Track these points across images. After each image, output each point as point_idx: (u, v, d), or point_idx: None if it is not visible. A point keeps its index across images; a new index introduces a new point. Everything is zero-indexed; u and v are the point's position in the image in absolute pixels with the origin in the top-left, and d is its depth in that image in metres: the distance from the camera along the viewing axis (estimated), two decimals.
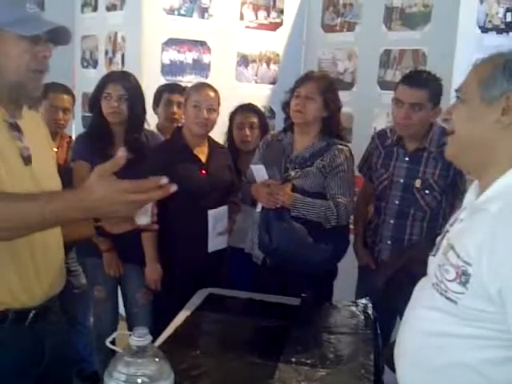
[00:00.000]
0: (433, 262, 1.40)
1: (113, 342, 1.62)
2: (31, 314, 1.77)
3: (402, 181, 2.91)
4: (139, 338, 1.50)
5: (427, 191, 2.86)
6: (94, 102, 3.10)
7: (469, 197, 1.42)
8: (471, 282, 1.24)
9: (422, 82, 2.82)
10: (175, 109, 3.50)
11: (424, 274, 1.48)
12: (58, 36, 1.78)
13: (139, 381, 1.41)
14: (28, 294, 1.76)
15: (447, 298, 1.29)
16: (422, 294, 1.42)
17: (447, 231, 1.40)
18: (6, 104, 1.73)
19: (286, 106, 2.97)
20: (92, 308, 3.36)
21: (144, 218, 1.95)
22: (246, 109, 3.53)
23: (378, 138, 3.07)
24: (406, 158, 2.91)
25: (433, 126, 2.88)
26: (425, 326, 1.36)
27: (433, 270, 1.38)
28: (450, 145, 1.44)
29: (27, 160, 1.75)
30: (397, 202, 2.92)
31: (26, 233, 1.59)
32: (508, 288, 1.18)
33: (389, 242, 2.95)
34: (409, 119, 2.80)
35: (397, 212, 2.93)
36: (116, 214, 1.61)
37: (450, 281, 1.28)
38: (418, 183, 2.87)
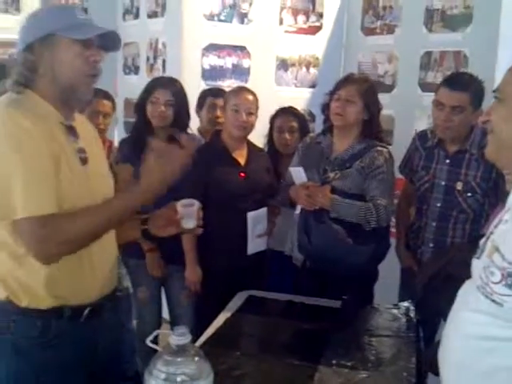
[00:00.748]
0: (477, 264, 1.37)
1: (155, 343, 1.65)
2: (86, 311, 1.83)
3: (443, 183, 2.88)
4: (179, 336, 1.52)
5: (469, 194, 2.82)
6: (140, 105, 3.15)
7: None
8: None
9: (464, 84, 2.78)
10: (219, 112, 3.53)
11: (465, 275, 1.46)
12: (108, 42, 1.85)
13: (179, 379, 1.43)
14: (84, 291, 1.83)
15: (493, 301, 1.26)
16: (467, 297, 1.39)
17: (491, 233, 1.37)
18: (60, 107, 1.80)
19: (325, 107, 2.97)
20: (135, 310, 3.39)
21: (190, 222, 2.00)
22: (286, 112, 3.54)
23: (419, 139, 3.04)
24: (447, 161, 2.88)
25: (474, 128, 2.84)
26: (470, 329, 1.34)
27: (477, 273, 1.35)
28: (489, 144, 1.41)
29: (84, 160, 1.82)
30: (438, 205, 2.89)
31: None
32: None
33: (431, 245, 2.92)
34: (450, 122, 2.77)
35: (439, 215, 2.90)
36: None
37: (495, 283, 1.26)
38: (459, 186, 2.84)
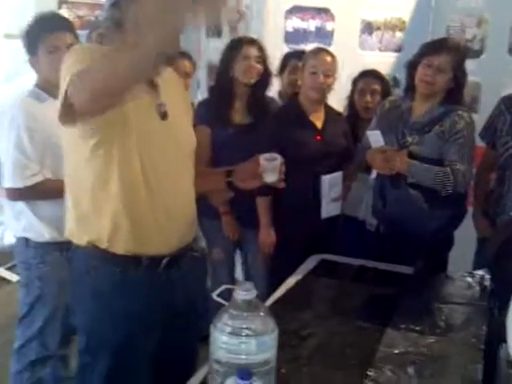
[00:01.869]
0: None
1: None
2: (164, 261, 1.89)
3: None
4: (245, 291, 1.54)
5: None
6: (226, 65, 3.15)
7: None
8: None
9: None
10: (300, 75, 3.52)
11: None
12: None
13: (243, 333, 1.44)
14: (162, 241, 1.88)
15: None
16: None
17: None
18: None
19: (411, 66, 2.88)
20: (210, 270, 3.47)
21: (272, 176, 2.03)
22: (369, 75, 3.48)
23: (504, 104, 2.91)
24: None
25: None
26: None
27: None
28: None
29: (163, 115, 1.85)
30: None
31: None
32: None
33: (511, 213, 2.81)
34: None
35: None
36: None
37: None
38: None
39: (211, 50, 4.52)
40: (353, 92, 3.48)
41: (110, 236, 1.82)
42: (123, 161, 1.77)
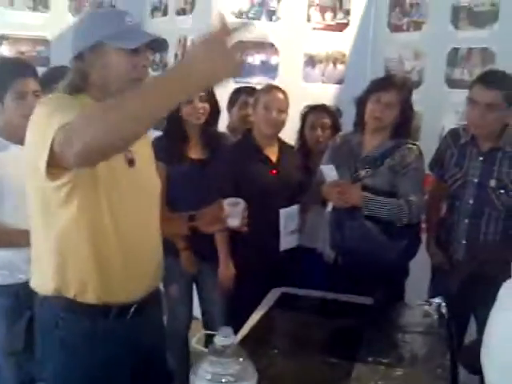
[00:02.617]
0: None
1: (186, 341, 1.69)
2: (132, 309, 1.89)
3: (476, 180, 2.88)
4: (224, 337, 1.56)
5: (502, 191, 2.82)
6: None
7: None
8: None
9: (497, 82, 2.79)
10: (250, 111, 3.57)
11: (500, 275, 1.49)
12: (155, 44, 1.89)
13: (224, 380, 1.45)
14: (131, 289, 1.88)
15: None
16: (509, 298, 1.43)
17: None
18: None
19: (360, 102, 2.99)
20: (166, 307, 3.43)
21: (235, 221, 2.07)
22: (319, 109, 3.57)
23: (451, 137, 3.05)
24: (481, 158, 2.88)
25: (507, 126, 2.85)
26: None
27: None
28: None
29: (130, 162, 1.87)
30: (471, 202, 2.90)
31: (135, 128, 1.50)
32: None
33: (463, 242, 2.92)
34: (483, 119, 2.78)
35: (471, 211, 2.90)
36: (220, 72, 1.46)
37: None
38: (492, 183, 2.84)
39: None
40: (303, 126, 3.55)
41: (79, 286, 1.81)
42: (91, 209, 1.77)
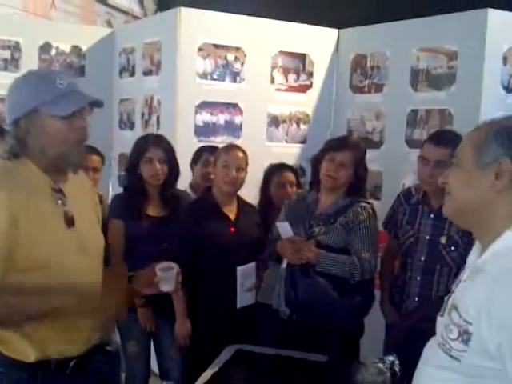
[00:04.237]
0: (440, 321, 1.45)
1: None
2: (72, 363, 1.89)
3: (427, 237, 2.95)
4: None
5: (453, 247, 2.89)
6: (133, 164, 3.21)
7: (471, 257, 1.47)
8: (472, 340, 1.28)
9: (447, 140, 2.88)
10: (212, 169, 3.63)
11: (433, 332, 1.52)
12: (93, 101, 1.92)
13: None
14: (69, 344, 1.89)
15: (451, 357, 1.33)
16: (430, 353, 1.46)
17: (453, 291, 1.45)
18: (50, 172, 1.88)
19: (316, 161, 3.06)
20: (124, 363, 3.41)
21: (167, 286, 2.06)
22: (284, 167, 3.66)
23: (403, 196, 3.13)
24: (432, 215, 2.95)
25: None
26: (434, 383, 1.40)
27: (439, 330, 1.43)
28: (447, 205, 1.50)
29: (70, 223, 1.89)
30: (423, 259, 2.95)
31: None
32: (506, 345, 1.22)
33: (416, 299, 2.96)
34: (434, 177, 2.85)
35: (423, 268, 2.95)
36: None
37: (453, 340, 1.33)
38: (443, 239, 2.90)
39: (123, 141, 4.60)
40: (267, 184, 3.62)
41: (16, 342, 1.82)
42: (30, 268, 1.79)
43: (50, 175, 1.88)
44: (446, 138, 2.92)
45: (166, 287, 2.08)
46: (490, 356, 1.25)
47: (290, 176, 3.60)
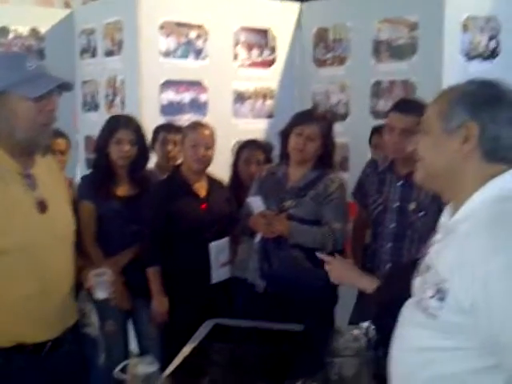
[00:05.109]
0: (415, 282, 1.50)
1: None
2: (47, 346, 1.90)
3: (396, 204, 2.97)
4: (147, 365, 1.58)
5: (423, 212, 2.93)
6: (102, 145, 3.18)
7: (443, 219, 1.52)
8: (447, 297, 1.32)
9: (412, 108, 2.90)
10: (170, 147, 3.64)
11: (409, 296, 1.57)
12: (61, 84, 1.90)
13: None
14: (42, 327, 1.89)
15: (428, 314, 1.37)
16: (407, 314, 1.51)
17: (428, 252, 1.50)
18: (18, 157, 1.86)
19: (284, 135, 3.09)
20: (103, 343, 3.41)
21: (101, 292, 2.03)
22: (253, 145, 3.68)
23: (370, 166, 3.16)
24: (399, 183, 3.00)
25: None
26: (410, 342, 1.44)
27: (415, 290, 1.48)
28: (418, 170, 1.54)
29: (43, 208, 1.88)
30: (392, 226, 2.99)
31: None
32: (479, 300, 1.27)
33: (388, 266, 3.02)
34: (401, 144, 2.88)
35: (393, 235, 2.98)
36: None
37: (429, 298, 1.37)
38: (412, 205, 2.94)
39: (88, 122, 4.56)
40: (237, 161, 3.64)
41: None
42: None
43: (18, 160, 1.86)
44: (410, 106, 2.95)
45: (99, 294, 2.04)
46: (464, 312, 1.29)
47: (258, 154, 3.62)
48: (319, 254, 2.39)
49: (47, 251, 1.88)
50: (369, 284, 2.30)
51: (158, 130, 3.75)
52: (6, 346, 1.83)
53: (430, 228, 2.84)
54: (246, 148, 3.65)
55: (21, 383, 1.85)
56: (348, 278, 2.39)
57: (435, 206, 2.88)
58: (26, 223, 1.83)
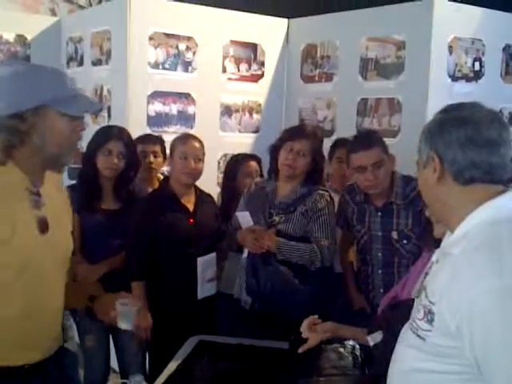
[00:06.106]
0: (415, 303, 1.51)
1: None
2: (23, 370, 1.83)
3: (379, 234, 3.00)
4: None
5: (405, 241, 2.95)
6: (91, 154, 3.14)
7: (444, 241, 1.54)
8: (435, 320, 1.34)
9: (372, 140, 2.93)
10: (151, 158, 3.60)
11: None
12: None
13: None
14: (22, 354, 1.83)
15: (418, 336, 1.39)
16: (403, 334, 1.52)
17: (427, 273, 1.52)
18: (32, 172, 1.83)
19: (274, 150, 3.09)
20: (83, 359, 3.36)
21: (125, 323, 2.00)
22: (248, 158, 3.68)
23: (348, 194, 3.15)
24: (379, 213, 3.00)
25: (395, 177, 2.98)
26: (404, 363, 1.46)
27: (413, 311, 1.49)
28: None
29: (44, 228, 1.84)
30: (380, 254, 3.01)
31: None
32: (464, 323, 1.27)
33: (381, 290, 3.02)
34: (376, 179, 2.88)
35: (382, 262, 3.02)
36: None
37: (419, 319, 1.39)
38: (394, 235, 2.96)
39: None
40: (234, 174, 3.61)
41: None
42: None
43: (31, 177, 1.83)
44: (368, 139, 2.96)
45: (122, 324, 2.00)
46: (451, 335, 1.30)
47: (255, 165, 3.63)
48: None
49: (41, 273, 1.84)
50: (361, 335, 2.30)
51: (135, 142, 3.69)
52: None
53: (416, 253, 2.91)
54: (243, 161, 3.65)
55: None
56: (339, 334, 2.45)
57: (417, 232, 2.92)
58: (25, 242, 1.78)
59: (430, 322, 1.35)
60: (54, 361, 1.96)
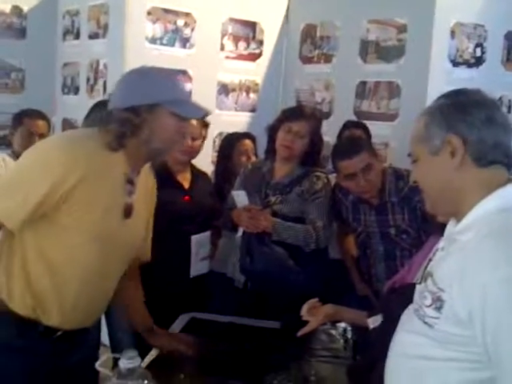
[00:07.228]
0: (417, 289, 1.49)
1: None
2: (58, 333, 1.98)
3: (377, 230, 2.98)
4: (129, 360, 1.55)
5: (404, 236, 2.94)
6: None
7: (448, 228, 1.51)
8: (445, 307, 1.31)
9: (355, 146, 2.89)
10: None
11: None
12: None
13: None
14: (61, 319, 1.97)
15: (425, 323, 1.36)
16: (406, 320, 1.50)
17: (431, 260, 1.50)
18: (135, 162, 1.97)
19: (272, 130, 3.06)
20: None
21: None
22: (243, 136, 3.67)
23: (340, 192, 3.08)
24: (373, 212, 2.97)
25: (385, 174, 2.95)
26: (407, 349, 1.44)
27: (416, 297, 1.47)
28: (426, 201, 1.54)
29: (127, 214, 1.99)
30: (381, 249, 3.00)
31: None
32: (476, 310, 1.26)
33: (385, 282, 3.00)
34: (368, 183, 2.85)
35: (384, 256, 3.00)
36: None
37: (427, 306, 1.36)
38: (392, 231, 2.94)
39: (67, 105, 4.47)
40: (229, 153, 3.61)
41: (12, 294, 1.91)
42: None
43: (134, 166, 1.98)
44: (353, 146, 2.92)
45: None
46: (461, 323, 1.29)
47: (250, 144, 3.61)
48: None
49: (113, 250, 1.99)
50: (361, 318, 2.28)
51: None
52: (24, 315, 1.90)
53: (417, 245, 2.88)
54: (240, 140, 3.63)
55: (27, 356, 1.91)
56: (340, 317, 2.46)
57: (415, 226, 2.90)
58: (109, 223, 1.93)
59: (439, 309, 1.33)
60: (83, 332, 2.09)
